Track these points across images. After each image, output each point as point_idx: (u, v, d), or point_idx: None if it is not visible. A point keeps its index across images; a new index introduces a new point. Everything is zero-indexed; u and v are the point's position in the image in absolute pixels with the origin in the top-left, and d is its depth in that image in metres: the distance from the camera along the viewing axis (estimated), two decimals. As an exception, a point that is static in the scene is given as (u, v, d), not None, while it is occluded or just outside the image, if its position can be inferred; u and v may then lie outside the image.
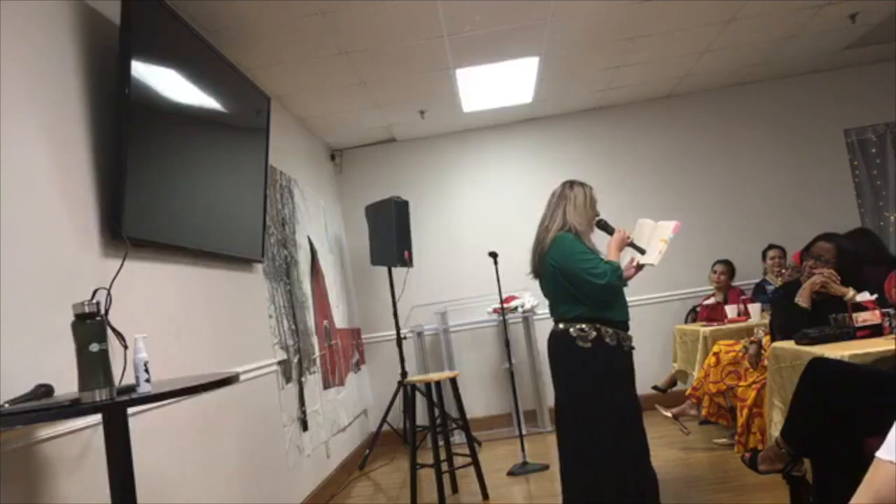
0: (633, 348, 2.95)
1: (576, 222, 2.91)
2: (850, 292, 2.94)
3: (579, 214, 2.93)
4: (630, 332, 2.94)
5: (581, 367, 2.84)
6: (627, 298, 2.98)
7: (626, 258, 3.00)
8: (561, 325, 2.90)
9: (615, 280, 2.79)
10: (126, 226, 2.27)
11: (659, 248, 2.93)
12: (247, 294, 3.61)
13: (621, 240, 2.94)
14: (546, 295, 3.03)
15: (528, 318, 5.71)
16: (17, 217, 1.90)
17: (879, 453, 1.26)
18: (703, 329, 4.63)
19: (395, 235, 5.32)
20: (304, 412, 4.15)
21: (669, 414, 4.49)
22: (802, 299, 3.08)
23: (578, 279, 2.81)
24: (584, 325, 2.83)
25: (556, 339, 2.92)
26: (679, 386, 5.13)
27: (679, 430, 4.56)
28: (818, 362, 2.47)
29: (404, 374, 5.41)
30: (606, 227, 3.00)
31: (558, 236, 2.89)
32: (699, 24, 4.42)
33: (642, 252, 2.94)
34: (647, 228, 3.05)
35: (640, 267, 2.98)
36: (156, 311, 2.58)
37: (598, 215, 3.02)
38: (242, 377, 3.16)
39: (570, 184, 3.01)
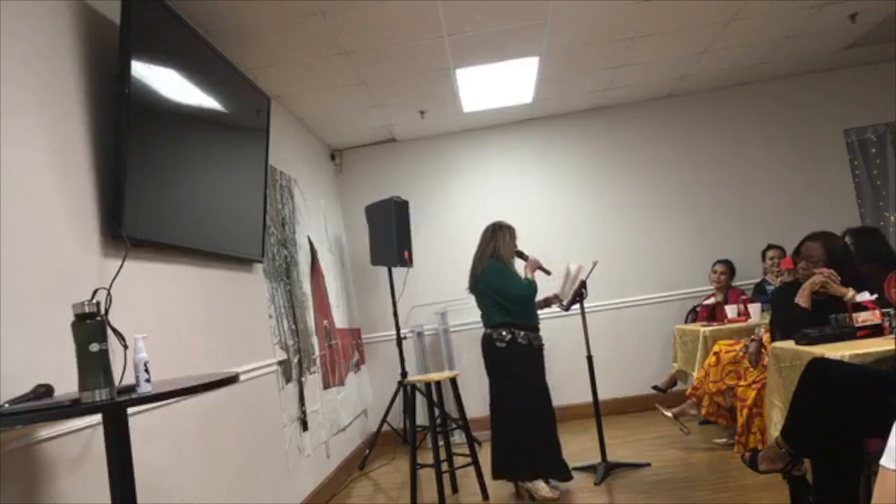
0: (542, 346, 3.99)
1: (504, 253, 3.99)
2: (850, 292, 2.94)
3: (505, 249, 4.00)
4: (540, 333, 3.98)
5: (501, 360, 3.86)
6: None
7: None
8: (487, 330, 3.93)
9: (531, 292, 3.95)
10: (126, 226, 2.27)
11: (574, 284, 4.16)
12: (247, 294, 3.61)
13: (534, 264, 4.07)
14: (479, 306, 4.04)
15: (528, 318, 5.71)
16: (17, 217, 1.90)
17: (884, 461, 1.16)
18: (703, 329, 4.63)
19: (395, 235, 5.32)
20: (304, 412, 4.15)
21: (669, 414, 4.49)
22: (802, 299, 3.07)
23: (506, 293, 3.88)
24: (502, 330, 3.85)
25: (483, 340, 3.96)
26: (679, 386, 5.13)
27: (679, 430, 4.56)
28: (818, 362, 2.47)
29: (404, 374, 5.42)
30: (522, 255, 4.11)
31: (490, 263, 3.96)
32: (699, 24, 4.42)
33: (548, 273, 4.09)
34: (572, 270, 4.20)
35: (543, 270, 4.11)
36: (156, 311, 2.58)
37: (516, 248, 4.07)
38: (242, 377, 3.16)
39: (500, 226, 4.05)
